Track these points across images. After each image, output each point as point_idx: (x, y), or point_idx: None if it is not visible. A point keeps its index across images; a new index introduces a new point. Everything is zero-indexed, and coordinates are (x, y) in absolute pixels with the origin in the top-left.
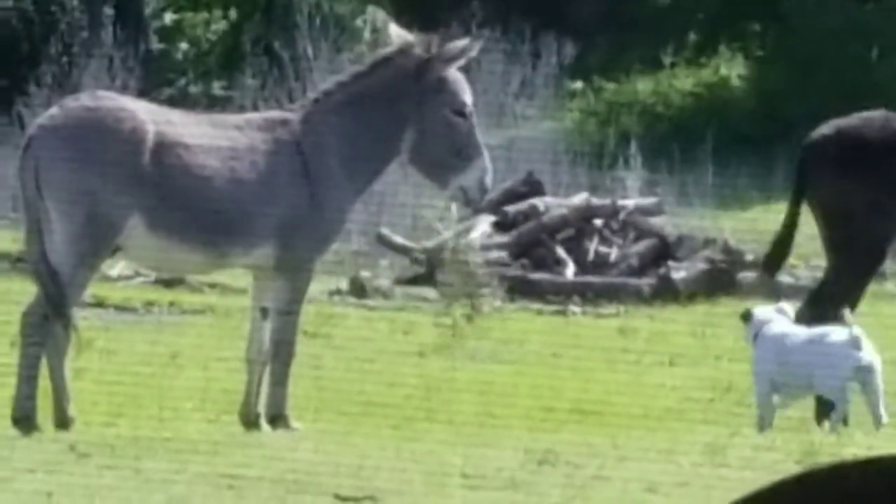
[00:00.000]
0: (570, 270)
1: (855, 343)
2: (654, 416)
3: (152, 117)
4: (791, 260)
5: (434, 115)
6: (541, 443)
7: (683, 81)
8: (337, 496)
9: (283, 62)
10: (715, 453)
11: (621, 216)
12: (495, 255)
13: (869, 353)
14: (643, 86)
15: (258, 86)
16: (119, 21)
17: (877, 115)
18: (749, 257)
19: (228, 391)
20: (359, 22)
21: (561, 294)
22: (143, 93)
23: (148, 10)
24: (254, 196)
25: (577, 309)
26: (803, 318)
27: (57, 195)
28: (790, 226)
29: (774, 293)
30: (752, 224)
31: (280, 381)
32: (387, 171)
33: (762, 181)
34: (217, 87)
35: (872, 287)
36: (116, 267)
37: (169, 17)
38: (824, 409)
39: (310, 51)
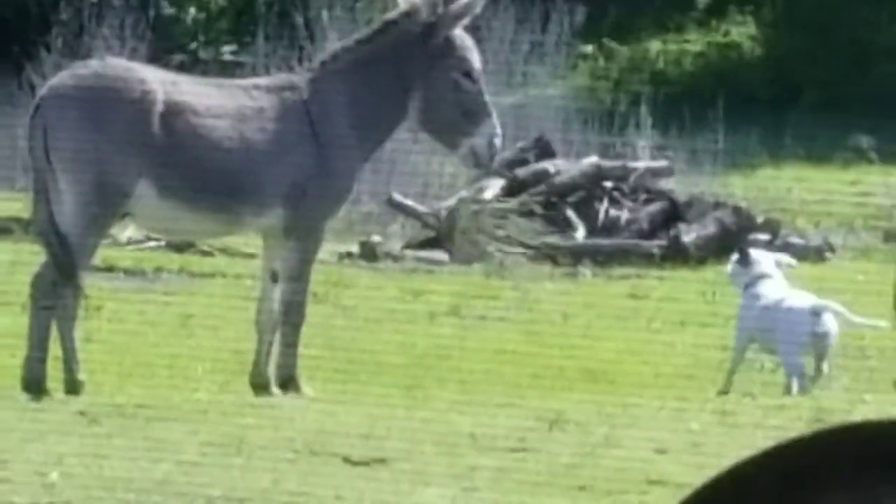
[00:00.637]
0: (580, 233)
1: (815, 311)
2: (665, 378)
3: (161, 82)
4: (800, 220)
5: (441, 77)
6: (551, 405)
7: (694, 44)
8: (346, 459)
9: (297, 27)
10: (725, 415)
11: (631, 179)
12: (505, 217)
13: (828, 322)
14: (654, 48)
15: (270, 51)
16: None
17: None
18: (759, 219)
19: (239, 355)
20: None
21: (571, 256)
22: (154, 58)
23: None
24: (262, 160)
25: (587, 271)
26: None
27: (65, 160)
28: None
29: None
30: (761, 186)
31: (290, 344)
32: (397, 135)
33: (772, 143)
34: (227, 52)
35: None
36: (126, 231)
37: None
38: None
39: (325, 15)
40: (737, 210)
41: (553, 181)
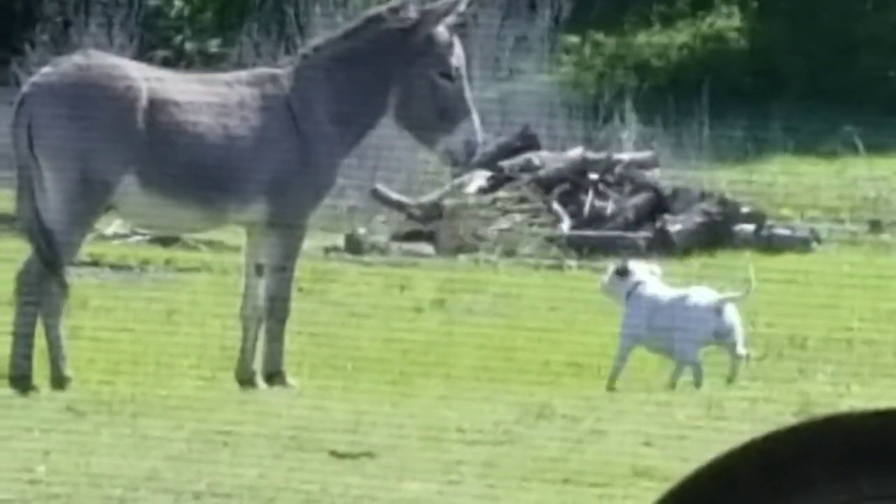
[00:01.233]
0: (565, 224)
1: (717, 307)
2: (651, 369)
3: (144, 76)
4: (786, 211)
5: (419, 75)
6: (538, 397)
7: (679, 35)
8: (333, 452)
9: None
10: (712, 406)
11: (617, 170)
12: (491, 209)
13: (730, 316)
14: (639, 39)
15: (256, 44)
16: None
17: None
18: (745, 210)
19: (225, 349)
20: None
21: (557, 248)
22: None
23: None
24: (245, 152)
25: (573, 263)
26: None
27: (50, 154)
28: None
29: (770, 246)
30: (747, 177)
31: (276, 338)
32: (381, 127)
33: (758, 134)
34: (213, 46)
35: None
36: (112, 226)
37: None
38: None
39: (317, 9)
40: (722, 201)
41: (538, 173)
